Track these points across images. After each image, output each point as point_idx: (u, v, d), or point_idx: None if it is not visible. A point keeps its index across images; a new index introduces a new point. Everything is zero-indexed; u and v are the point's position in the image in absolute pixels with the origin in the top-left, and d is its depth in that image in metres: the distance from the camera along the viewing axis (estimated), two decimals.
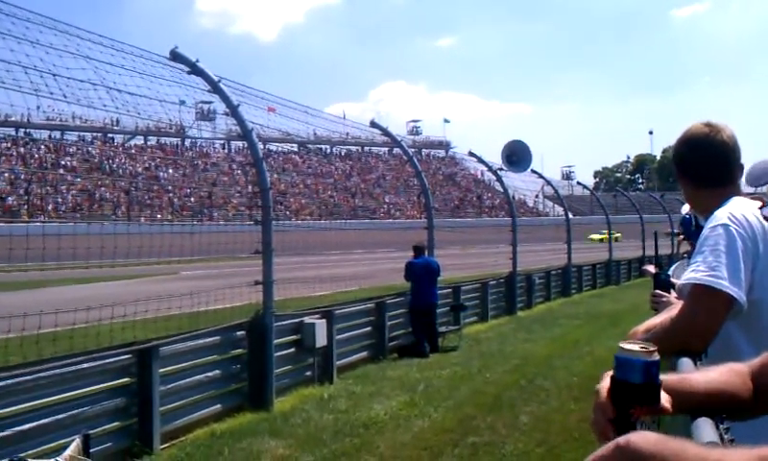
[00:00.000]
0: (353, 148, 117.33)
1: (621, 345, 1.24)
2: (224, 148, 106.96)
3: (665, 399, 1.27)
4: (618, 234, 45.54)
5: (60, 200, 79.28)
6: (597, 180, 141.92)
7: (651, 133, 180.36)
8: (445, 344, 14.41)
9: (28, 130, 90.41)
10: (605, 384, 1.26)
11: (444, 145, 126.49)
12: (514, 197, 23.81)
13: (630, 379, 1.21)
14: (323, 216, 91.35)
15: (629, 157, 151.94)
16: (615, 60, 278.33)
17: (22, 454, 5.34)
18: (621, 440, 1.06)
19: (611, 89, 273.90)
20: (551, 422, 8.55)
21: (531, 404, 9.35)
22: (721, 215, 2.31)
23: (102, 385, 7.35)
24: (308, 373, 10.89)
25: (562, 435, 7.88)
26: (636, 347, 1.23)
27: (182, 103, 11.23)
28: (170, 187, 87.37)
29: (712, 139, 2.52)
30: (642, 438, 1.05)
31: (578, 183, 44.75)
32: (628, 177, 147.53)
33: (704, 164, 2.53)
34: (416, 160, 16.23)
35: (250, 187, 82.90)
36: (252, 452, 7.45)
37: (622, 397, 1.22)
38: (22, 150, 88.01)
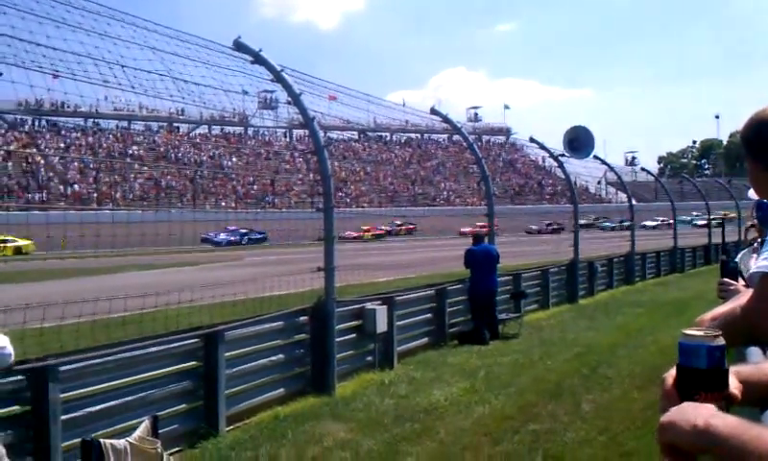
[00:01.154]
0: (413, 135, 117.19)
1: (684, 331, 1.23)
2: (286, 136, 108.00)
3: (734, 385, 1.24)
4: (28, 242, 37.48)
5: (127, 188, 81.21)
6: (661, 165, 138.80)
7: (717, 117, 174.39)
8: (506, 331, 14.36)
9: (96, 120, 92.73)
10: (671, 372, 1.24)
11: (505, 131, 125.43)
12: (575, 183, 23.51)
13: (694, 365, 1.19)
14: (382, 203, 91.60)
15: (694, 142, 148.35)
16: (680, 43, 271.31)
17: (93, 435, 5.52)
18: (700, 421, 1.05)
19: (675, 73, 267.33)
20: (614, 410, 8.47)
21: (593, 392, 9.26)
22: None
23: (169, 368, 7.52)
24: (369, 358, 10.99)
25: (624, 423, 7.80)
26: (699, 332, 1.21)
27: (245, 93, 11.39)
28: (234, 175, 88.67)
29: None
30: (722, 420, 1.04)
31: (642, 169, 43.86)
32: (693, 162, 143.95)
33: None
34: (476, 147, 16.17)
35: (311, 175, 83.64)
36: (314, 435, 7.56)
37: (687, 383, 1.19)
38: (91, 139, 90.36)
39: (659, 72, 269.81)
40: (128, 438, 5.22)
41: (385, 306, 11.04)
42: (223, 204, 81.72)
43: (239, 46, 9.29)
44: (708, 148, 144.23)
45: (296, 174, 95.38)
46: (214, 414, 7.73)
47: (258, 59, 9.41)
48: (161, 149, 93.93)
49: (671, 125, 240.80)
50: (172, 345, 7.63)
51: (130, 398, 6.92)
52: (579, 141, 21.11)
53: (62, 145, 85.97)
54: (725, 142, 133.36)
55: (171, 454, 5.74)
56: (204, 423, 7.69)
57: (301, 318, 9.69)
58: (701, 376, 1.18)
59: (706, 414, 1.07)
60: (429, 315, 13.12)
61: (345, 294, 11.33)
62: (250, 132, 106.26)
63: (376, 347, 11.04)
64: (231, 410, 8.05)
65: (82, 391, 6.51)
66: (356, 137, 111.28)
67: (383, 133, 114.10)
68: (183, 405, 7.60)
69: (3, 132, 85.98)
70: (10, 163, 78.54)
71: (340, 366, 9.85)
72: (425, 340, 12.84)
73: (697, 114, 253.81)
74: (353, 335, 10.67)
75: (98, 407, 6.58)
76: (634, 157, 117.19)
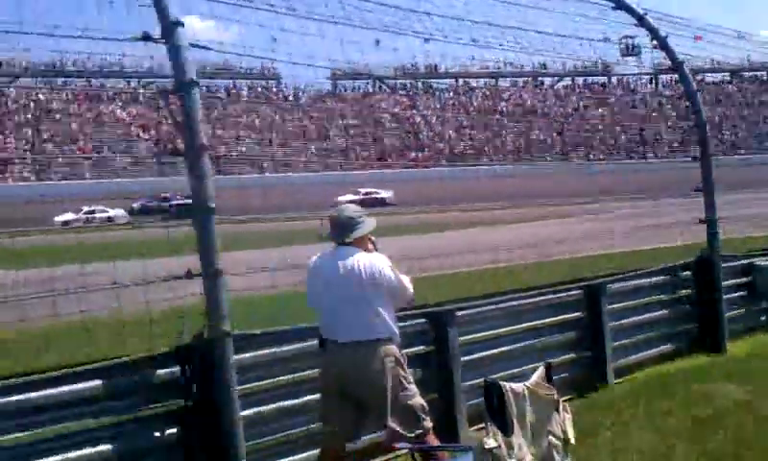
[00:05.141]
0: None
1: None
2: (651, 83, 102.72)
3: None
4: None
5: (499, 144, 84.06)
6: None
7: None
8: None
9: (466, 80, 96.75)
10: None
11: None
12: None
13: None
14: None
15: None
16: None
17: (492, 376, 5.85)
18: None
19: None
20: None
21: None
22: None
23: (554, 318, 7.74)
24: (762, 318, 10.24)
25: None
26: None
27: (607, 40, 11.15)
28: (600, 127, 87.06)
29: None
30: None
31: None
32: None
33: None
34: None
35: (681, 123, 79.05)
36: (706, 394, 7.20)
37: None
38: (463, 99, 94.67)
39: None
40: (525, 383, 5.46)
41: None
42: (591, 156, 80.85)
43: None
44: None
45: (664, 122, 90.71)
46: (601, 365, 7.82)
47: (619, 3, 9.11)
48: (528, 103, 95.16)
49: None
50: (556, 295, 7.84)
51: (519, 344, 7.27)
52: None
53: (438, 106, 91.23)
54: None
55: (565, 401, 5.90)
56: (591, 373, 7.80)
57: (684, 273, 9.33)
58: None
59: None
60: None
61: (726, 247, 10.52)
62: (613, 81, 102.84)
63: None
64: (617, 363, 8.06)
65: (476, 336, 7.00)
66: (728, 79, 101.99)
67: (759, 73, 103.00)
68: (571, 354, 7.77)
69: (386, 96, 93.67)
70: (395, 125, 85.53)
71: (729, 325, 9.31)
72: None
73: None
74: (742, 293, 10.02)
75: (492, 352, 7.01)
76: None
